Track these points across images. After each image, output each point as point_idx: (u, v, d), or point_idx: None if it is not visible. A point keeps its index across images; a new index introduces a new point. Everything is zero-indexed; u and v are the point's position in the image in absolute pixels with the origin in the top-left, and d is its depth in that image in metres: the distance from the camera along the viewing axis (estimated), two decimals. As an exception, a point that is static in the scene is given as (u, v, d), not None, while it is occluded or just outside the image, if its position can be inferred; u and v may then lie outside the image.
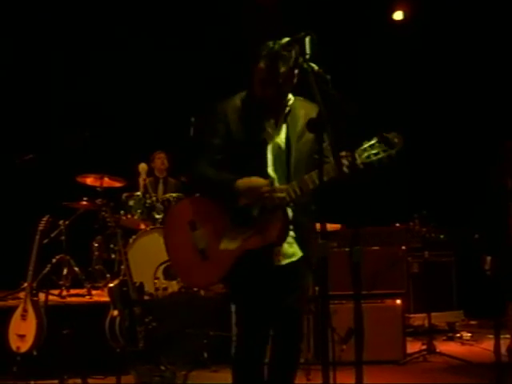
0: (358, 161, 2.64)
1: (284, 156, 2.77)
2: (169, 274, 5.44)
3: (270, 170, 2.78)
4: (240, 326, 2.90)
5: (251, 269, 2.74)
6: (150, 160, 6.55)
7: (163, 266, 5.27)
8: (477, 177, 4.88)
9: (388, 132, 2.71)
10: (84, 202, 5.86)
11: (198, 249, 2.78)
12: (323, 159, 2.42)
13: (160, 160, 6.53)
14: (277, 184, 2.73)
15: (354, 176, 2.56)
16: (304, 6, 6.57)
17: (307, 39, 2.47)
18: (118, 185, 6.11)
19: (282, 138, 2.79)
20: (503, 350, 4.61)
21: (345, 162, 2.56)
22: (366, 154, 2.65)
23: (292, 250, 2.82)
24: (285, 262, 2.81)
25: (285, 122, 2.79)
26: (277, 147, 2.78)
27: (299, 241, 2.80)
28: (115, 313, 4.44)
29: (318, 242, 2.31)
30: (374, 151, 2.68)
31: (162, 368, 4.44)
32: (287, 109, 2.80)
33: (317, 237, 2.55)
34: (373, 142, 2.68)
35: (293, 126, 2.78)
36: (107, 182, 5.97)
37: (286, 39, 2.59)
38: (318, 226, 2.46)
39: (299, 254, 2.83)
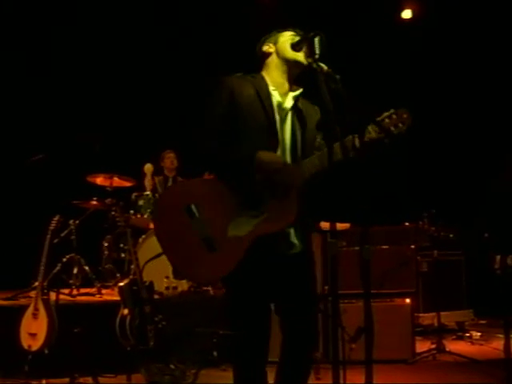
0: (373, 134, 2.60)
1: (290, 141, 2.68)
2: (178, 273, 5.46)
3: (279, 152, 2.64)
4: (243, 321, 2.62)
5: (258, 258, 2.50)
6: (160, 159, 6.57)
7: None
8: (485, 175, 4.87)
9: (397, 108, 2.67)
10: (94, 202, 5.88)
11: (202, 238, 2.48)
12: (332, 152, 2.38)
13: (169, 159, 6.55)
14: None
15: (361, 157, 2.52)
16: (313, 6, 6.58)
17: (316, 39, 2.47)
18: (127, 184, 6.13)
19: (288, 124, 2.71)
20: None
21: (350, 144, 2.52)
22: (378, 128, 2.57)
23: (295, 240, 2.66)
24: (291, 252, 2.64)
25: (292, 109, 2.73)
26: (285, 131, 2.70)
27: (299, 233, 2.66)
28: (125, 312, 4.45)
29: (328, 241, 2.31)
30: (389, 124, 2.62)
31: (172, 367, 4.46)
32: (296, 95, 2.75)
33: (313, 231, 2.53)
34: (390, 112, 2.64)
35: (300, 114, 2.74)
36: (117, 181, 6.00)
37: (296, 39, 2.60)
38: (326, 225, 2.46)
39: (300, 246, 2.67)
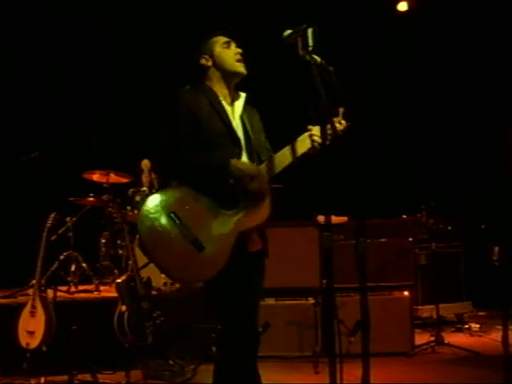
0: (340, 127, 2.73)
1: (247, 145, 2.80)
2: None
3: (244, 156, 2.77)
4: (229, 317, 2.73)
5: (235, 255, 2.62)
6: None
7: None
8: (483, 166, 4.86)
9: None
10: (90, 199, 5.87)
11: (189, 241, 2.56)
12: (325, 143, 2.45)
13: None
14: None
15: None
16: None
17: (309, 31, 2.47)
18: (124, 181, 6.12)
19: (241, 129, 2.83)
20: (513, 340, 4.62)
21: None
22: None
23: (257, 238, 2.78)
24: (254, 249, 2.76)
25: (241, 116, 2.85)
26: (241, 136, 2.82)
27: (261, 230, 2.79)
28: (123, 308, 4.44)
29: (323, 234, 2.30)
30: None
31: (171, 362, 4.46)
32: (242, 99, 2.88)
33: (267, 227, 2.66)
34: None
35: (248, 119, 2.86)
36: (113, 178, 5.99)
37: (289, 31, 2.58)
38: (322, 218, 2.45)
39: (261, 243, 2.80)
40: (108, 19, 6.96)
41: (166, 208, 2.60)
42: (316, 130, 2.70)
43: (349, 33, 6.90)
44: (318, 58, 2.45)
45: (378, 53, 7.09)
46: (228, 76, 2.84)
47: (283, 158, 2.72)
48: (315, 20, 2.51)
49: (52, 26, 6.90)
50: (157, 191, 2.70)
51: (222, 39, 2.86)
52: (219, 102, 2.80)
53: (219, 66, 2.83)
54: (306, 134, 2.73)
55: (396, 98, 6.99)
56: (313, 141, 2.70)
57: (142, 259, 4.91)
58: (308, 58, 2.45)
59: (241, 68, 2.82)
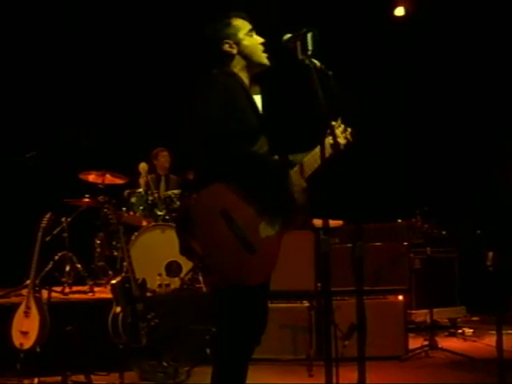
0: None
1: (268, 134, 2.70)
2: (171, 271, 5.46)
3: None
4: (246, 319, 2.59)
5: None
6: (153, 157, 6.56)
7: (165, 262, 5.30)
8: (478, 173, 4.88)
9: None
10: (86, 199, 5.87)
11: (241, 241, 2.43)
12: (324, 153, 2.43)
13: (164, 158, 6.56)
14: None
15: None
16: (305, 2, 6.57)
17: (309, 35, 2.47)
18: (119, 182, 6.12)
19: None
20: (506, 345, 4.63)
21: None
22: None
23: None
24: None
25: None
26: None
27: None
28: (118, 309, 4.44)
29: (320, 238, 2.30)
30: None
31: (165, 364, 4.45)
32: (258, 92, 2.82)
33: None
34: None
35: (260, 103, 2.77)
36: (109, 178, 5.98)
37: (289, 35, 2.59)
38: (319, 222, 2.46)
39: None
40: (103, 18, 6.95)
41: (220, 203, 2.43)
42: (337, 131, 2.65)
43: (347, 38, 6.92)
44: (317, 63, 2.46)
45: (376, 57, 7.12)
46: (253, 66, 2.69)
47: (310, 164, 2.62)
48: (314, 25, 2.52)
49: (45, 24, 6.89)
50: (199, 189, 2.44)
51: (247, 25, 2.69)
52: (250, 93, 2.64)
53: (246, 55, 2.66)
54: (327, 140, 2.61)
55: (393, 103, 7.02)
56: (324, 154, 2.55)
57: (137, 260, 4.93)
58: (307, 62, 2.45)
59: (265, 59, 2.68)
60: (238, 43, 2.67)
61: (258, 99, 2.74)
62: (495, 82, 6.85)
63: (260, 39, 2.71)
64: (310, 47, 2.46)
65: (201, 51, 2.71)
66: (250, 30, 2.69)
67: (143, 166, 6.14)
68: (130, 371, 4.39)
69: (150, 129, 6.95)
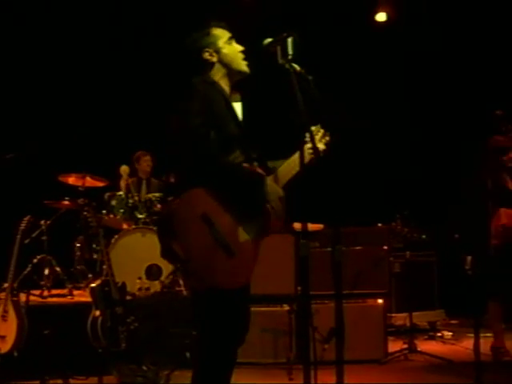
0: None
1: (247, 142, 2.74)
2: (151, 274, 5.43)
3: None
4: (226, 322, 2.61)
5: None
6: (135, 160, 6.53)
7: (146, 265, 5.28)
8: (457, 177, 4.94)
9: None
10: (66, 202, 5.81)
11: (221, 245, 2.46)
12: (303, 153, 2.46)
13: (146, 163, 6.53)
14: None
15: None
16: (287, 7, 6.60)
17: (289, 40, 2.48)
18: (100, 184, 6.08)
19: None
20: (485, 348, 4.68)
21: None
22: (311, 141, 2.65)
23: None
24: None
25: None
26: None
27: None
28: (97, 313, 4.42)
29: (300, 242, 2.31)
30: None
31: (145, 368, 4.43)
32: (238, 100, 2.84)
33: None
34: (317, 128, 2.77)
35: (240, 111, 2.88)
36: (89, 181, 5.94)
37: (269, 39, 2.60)
38: (299, 225, 2.47)
39: None
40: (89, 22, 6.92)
41: (201, 208, 2.48)
42: (316, 136, 2.68)
43: (328, 43, 6.96)
44: (297, 67, 2.47)
45: (357, 63, 7.17)
46: (233, 74, 2.73)
47: (287, 172, 2.68)
48: (295, 30, 2.53)
49: (22, 24, 6.83)
50: (180, 193, 2.51)
51: (226, 34, 2.74)
52: (230, 101, 2.68)
53: (225, 63, 2.71)
54: (296, 155, 2.65)
55: (372, 108, 7.07)
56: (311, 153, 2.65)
57: (117, 264, 4.91)
58: (287, 66, 2.46)
59: (245, 67, 2.73)
60: (217, 51, 2.71)
61: (238, 106, 2.78)
62: (473, 87, 6.94)
63: (240, 47, 2.75)
64: (290, 52, 2.48)
65: (182, 59, 2.75)
66: (230, 39, 2.74)
67: (124, 169, 6.12)
68: (109, 375, 4.36)
69: (133, 131, 6.92)
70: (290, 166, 2.68)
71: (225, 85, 2.72)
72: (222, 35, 2.73)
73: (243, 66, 2.73)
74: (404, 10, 7.37)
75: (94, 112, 7.03)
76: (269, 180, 2.62)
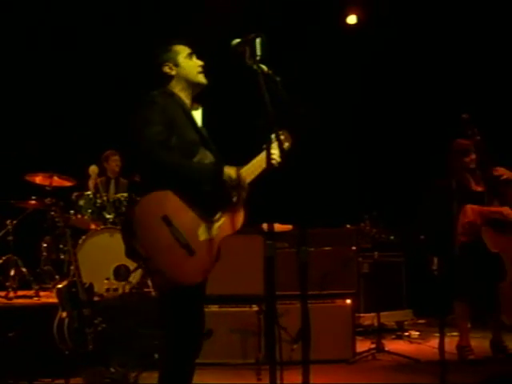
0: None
1: (209, 148, 2.92)
2: (119, 275, 5.39)
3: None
4: (187, 320, 2.80)
5: None
6: (103, 160, 6.47)
7: (114, 266, 5.23)
8: (424, 178, 5.01)
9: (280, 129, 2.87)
10: (32, 202, 5.75)
11: (181, 244, 2.63)
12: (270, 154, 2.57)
13: (115, 162, 6.47)
14: None
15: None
16: (257, 10, 6.61)
17: (258, 40, 2.50)
18: (67, 184, 6.01)
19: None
20: (451, 347, 4.76)
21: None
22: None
23: None
24: None
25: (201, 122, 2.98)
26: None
27: None
28: (64, 314, 4.36)
29: (265, 243, 2.33)
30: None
31: (112, 370, 4.38)
32: (199, 111, 3.05)
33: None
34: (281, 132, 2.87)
35: (199, 121, 3.00)
36: (57, 181, 5.87)
37: (237, 40, 2.60)
38: (265, 226, 2.49)
39: None
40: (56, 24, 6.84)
41: (161, 208, 2.64)
42: (273, 149, 2.78)
43: (298, 46, 6.99)
44: (265, 68, 2.48)
45: (326, 65, 7.21)
46: (191, 86, 2.93)
47: (248, 174, 2.82)
48: (265, 31, 2.54)
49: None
50: (145, 194, 2.67)
51: (186, 50, 2.95)
52: (189, 111, 2.90)
53: (183, 76, 2.91)
54: (262, 154, 2.81)
55: (340, 108, 7.13)
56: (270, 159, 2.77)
57: (84, 264, 4.85)
58: (255, 67, 2.49)
59: (202, 79, 2.92)
60: (176, 65, 2.93)
61: (198, 115, 3.01)
62: (440, 90, 7.04)
63: (199, 62, 2.95)
64: (258, 52, 2.50)
65: (146, 69, 2.99)
66: (190, 54, 2.94)
67: (93, 169, 6.06)
68: (75, 378, 4.31)
69: (102, 131, 6.86)
70: (254, 166, 2.83)
71: (185, 97, 2.93)
72: (181, 51, 2.95)
73: (200, 77, 2.93)
74: (374, 13, 7.44)
75: (62, 111, 6.95)
76: (228, 169, 2.77)
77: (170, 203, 2.67)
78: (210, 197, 2.72)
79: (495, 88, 6.91)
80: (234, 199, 2.78)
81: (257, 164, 2.83)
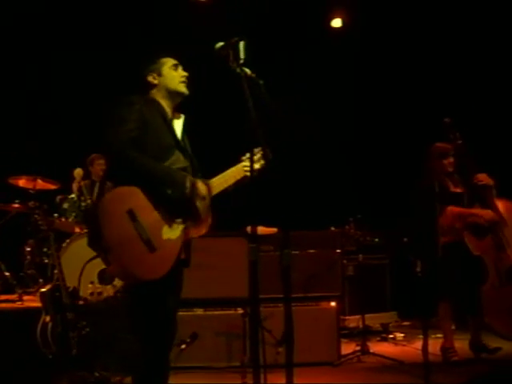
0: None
1: (184, 153, 3.01)
2: (104, 278, 5.35)
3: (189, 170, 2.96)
4: (154, 324, 2.87)
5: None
6: (89, 163, 6.43)
7: (98, 269, 5.19)
8: (407, 180, 5.05)
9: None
10: (16, 205, 5.70)
11: (143, 239, 2.72)
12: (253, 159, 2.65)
13: (100, 166, 6.43)
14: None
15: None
16: (242, 14, 6.62)
17: (241, 44, 2.50)
18: (51, 187, 5.98)
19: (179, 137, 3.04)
20: (435, 349, 4.79)
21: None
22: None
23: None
24: (182, 256, 2.92)
25: (182, 135, 3.07)
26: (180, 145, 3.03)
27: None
28: (47, 318, 4.33)
29: (249, 246, 2.34)
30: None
31: (96, 374, 4.36)
32: (181, 119, 3.09)
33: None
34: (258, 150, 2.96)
35: (186, 138, 3.10)
36: (40, 184, 5.84)
37: (221, 43, 2.61)
38: (249, 229, 2.50)
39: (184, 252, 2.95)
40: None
41: (127, 203, 2.73)
42: (248, 161, 2.87)
43: (283, 49, 7.01)
44: (248, 71, 2.49)
45: (312, 68, 7.23)
46: (172, 95, 3.04)
47: (220, 183, 2.93)
48: (250, 35, 2.55)
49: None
50: (116, 187, 2.81)
51: (171, 61, 3.07)
52: (167, 117, 3.00)
53: (164, 85, 3.03)
54: (241, 165, 2.96)
55: (323, 112, 7.15)
56: (246, 171, 2.95)
57: (68, 268, 4.81)
58: (238, 70, 2.50)
59: (183, 88, 3.04)
60: (160, 75, 3.06)
61: (179, 124, 3.08)
62: (423, 93, 7.09)
63: (183, 73, 3.08)
64: (241, 56, 2.51)
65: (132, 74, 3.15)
66: (175, 65, 3.07)
67: (78, 172, 6.01)
68: (59, 382, 4.27)
69: (84, 133, 6.81)
70: (224, 178, 2.96)
71: (166, 105, 3.05)
72: (166, 62, 3.08)
73: (181, 87, 3.04)
74: (358, 17, 7.48)
75: (48, 114, 6.91)
76: (195, 181, 2.86)
77: (137, 199, 2.74)
78: (175, 201, 2.78)
79: (477, 92, 6.97)
80: (200, 208, 2.86)
81: (229, 175, 2.95)
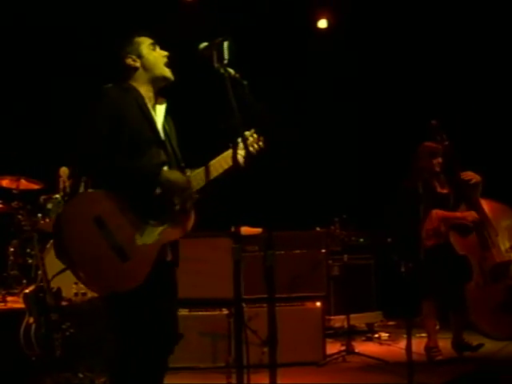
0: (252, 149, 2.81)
1: (172, 152, 2.78)
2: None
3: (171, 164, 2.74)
4: (130, 325, 2.63)
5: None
6: (74, 162, 6.39)
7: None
8: (392, 180, 5.08)
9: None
10: (-1, 205, 5.64)
11: (114, 248, 2.46)
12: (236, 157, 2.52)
13: None
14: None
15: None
16: (227, 14, 6.62)
17: (225, 44, 2.49)
18: (35, 187, 5.92)
19: (163, 136, 2.80)
20: (420, 348, 4.81)
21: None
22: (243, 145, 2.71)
23: (168, 247, 2.73)
24: (169, 258, 2.73)
25: (163, 122, 2.82)
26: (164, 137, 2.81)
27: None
28: (31, 320, 4.29)
29: (232, 246, 2.33)
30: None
31: (81, 376, 4.33)
32: (164, 105, 2.84)
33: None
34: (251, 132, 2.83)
35: (168, 125, 2.84)
36: (24, 184, 5.78)
37: (205, 43, 2.60)
38: (232, 229, 2.48)
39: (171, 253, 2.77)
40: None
41: (95, 209, 2.49)
42: (239, 150, 2.69)
43: (269, 51, 7.01)
44: (232, 72, 2.48)
45: (298, 70, 7.24)
46: (156, 80, 2.79)
47: (204, 174, 2.72)
48: (235, 35, 2.54)
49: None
50: (80, 192, 2.65)
51: (148, 40, 2.82)
52: (146, 105, 2.73)
53: (148, 68, 2.78)
54: (229, 151, 2.71)
55: (309, 112, 7.16)
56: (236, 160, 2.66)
57: (52, 269, 4.76)
58: (222, 70, 2.48)
59: (169, 73, 2.79)
60: (140, 57, 2.79)
61: (161, 109, 2.82)
62: (410, 94, 7.13)
63: (164, 52, 2.82)
64: (226, 56, 2.49)
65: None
66: (152, 44, 2.81)
67: (64, 170, 5.97)
68: (42, 384, 4.25)
69: (68, 132, 6.76)
70: (224, 160, 2.73)
71: (147, 90, 2.78)
72: (144, 41, 2.81)
73: (166, 71, 2.79)
74: (344, 18, 7.51)
75: (30, 111, 6.85)
76: (169, 172, 2.64)
77: (106, 204, 2.50)
78: (148, 202, 2.57)
79: (464, 94, 7.02)
80: (177, 207, 2.62)
81: (218, 163, 2.73)
